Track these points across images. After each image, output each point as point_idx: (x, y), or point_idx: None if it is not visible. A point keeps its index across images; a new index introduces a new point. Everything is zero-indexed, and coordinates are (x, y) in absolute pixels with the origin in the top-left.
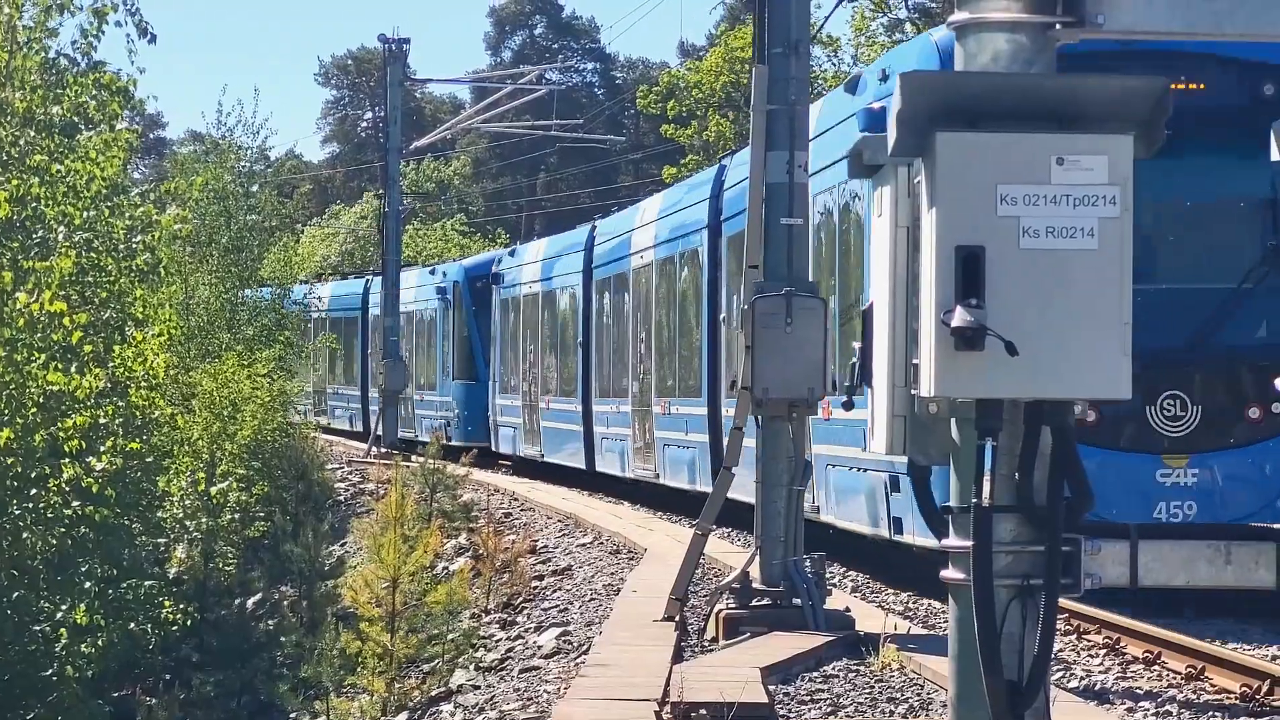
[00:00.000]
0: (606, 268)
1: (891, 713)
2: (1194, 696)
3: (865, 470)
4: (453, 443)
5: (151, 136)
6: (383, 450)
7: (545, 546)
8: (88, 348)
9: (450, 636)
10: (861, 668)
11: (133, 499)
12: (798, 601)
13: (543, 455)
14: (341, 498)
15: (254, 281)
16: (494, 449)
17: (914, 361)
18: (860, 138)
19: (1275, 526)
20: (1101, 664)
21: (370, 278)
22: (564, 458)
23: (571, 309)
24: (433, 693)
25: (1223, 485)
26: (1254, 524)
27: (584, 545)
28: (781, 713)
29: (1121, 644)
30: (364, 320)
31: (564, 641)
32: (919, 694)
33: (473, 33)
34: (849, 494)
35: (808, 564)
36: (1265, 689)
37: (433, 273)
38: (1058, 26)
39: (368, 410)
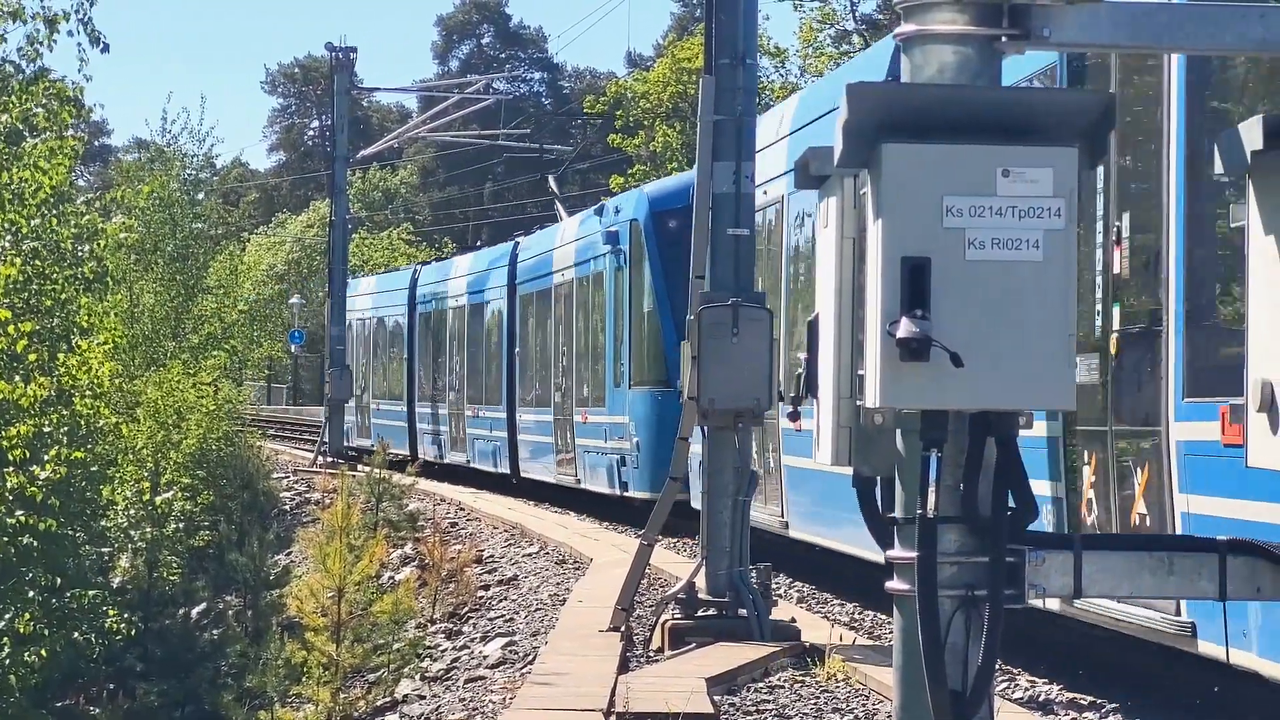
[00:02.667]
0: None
1: None
2: (1139, 705)
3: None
4: (630, 493)
5: (97, 144)
6: (329, 460)
7: (491, 556)
8: (32, 356)
9: (396, 646)
10: (807, 678)
11: (77, 508)
12: (743, 612)
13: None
14: (287, 507)
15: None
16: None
17: (859, 372)
18: (807, 149)
19: (1219, 538)
20: (1046, 675)
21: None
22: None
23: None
24: (378, 703)
25: None
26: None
27: (530, 555)
28: None
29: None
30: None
31: (509, 651)
32: (864, 705)
33: (420, 42)
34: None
35: (753, 574)
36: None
37: (599, 212)
38: (1004, 39)
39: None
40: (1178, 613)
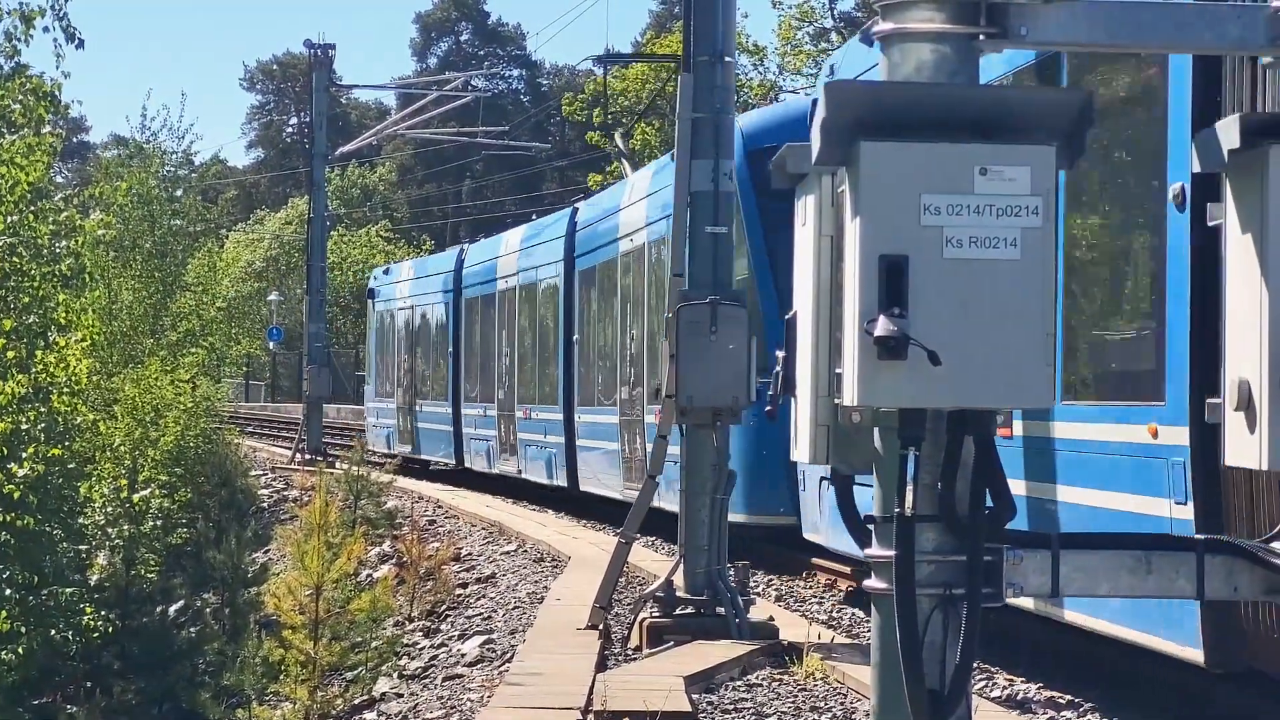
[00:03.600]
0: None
1: None
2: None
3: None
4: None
5: (75, 140)
6: (307, 456)
7: (469, 554)
8: (10, 353)
9: (374, 644)
10: (785, 677)
11: (54, 505)
12: (721, 610)
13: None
14: (265, 504)
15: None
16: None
17: (837, 371)
18: (785, 147)
19: (1197, 536)
20: (1024, 673)
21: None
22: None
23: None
24: (356, 701)
25: None
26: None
27: (508, 553)
28: None
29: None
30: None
31: (488, 650)
32: (842, 703)
33: (399, 39)
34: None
35: (731, 573)
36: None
37: None
38: (982, 38)
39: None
40: None
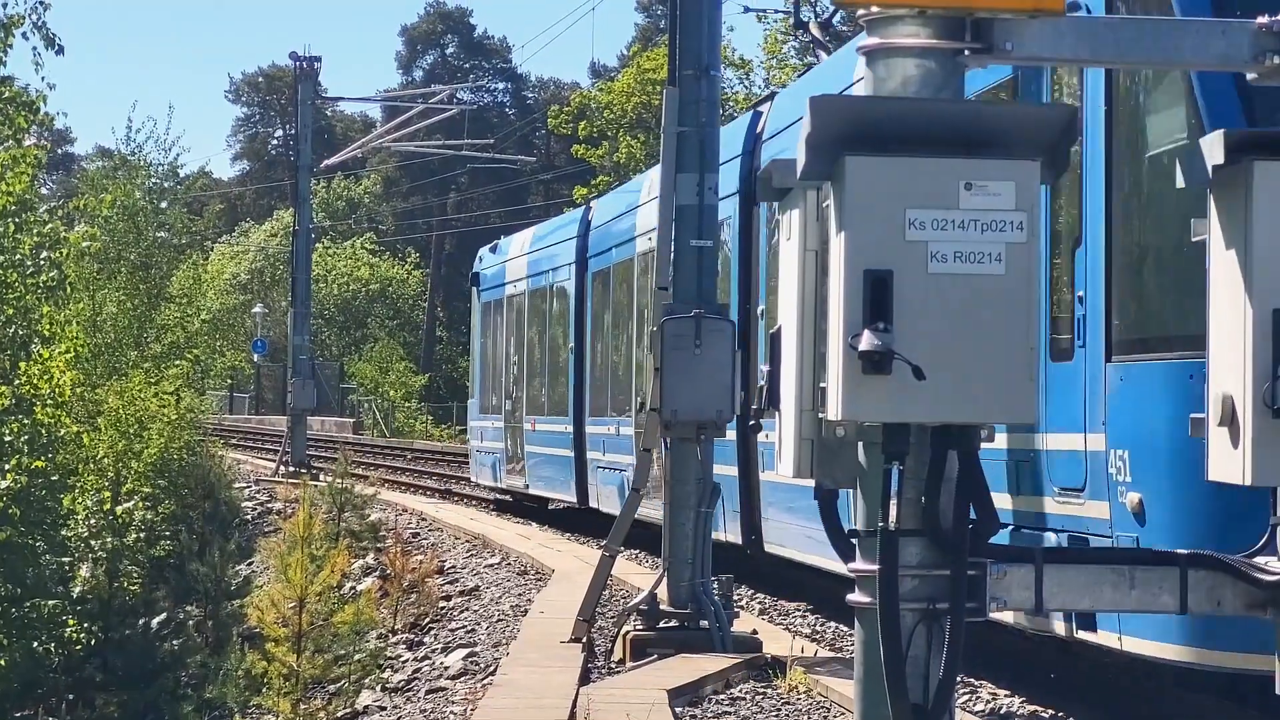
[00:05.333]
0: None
1: None
2: (1099, 716)
3: None
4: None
5: (60, 152)
6: (291, 469)
7: (453, 567)
8: None
9: (357, 657)
10: (769, 690)
11: (37, 517)
12: (705, 623)
13: None
14: (249, 517)
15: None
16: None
17: (822, 385)
18: (770, 161)
19: (1179, 551)
20: (1008, 686)
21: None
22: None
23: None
24: (339, 714)
25: None
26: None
27: (492, 566)
28: None
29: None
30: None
31: (471, 663)
32: (825, 717)
33: (384, 51)
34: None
35: (715, 586)
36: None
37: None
38: (966, 53)
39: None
40: None
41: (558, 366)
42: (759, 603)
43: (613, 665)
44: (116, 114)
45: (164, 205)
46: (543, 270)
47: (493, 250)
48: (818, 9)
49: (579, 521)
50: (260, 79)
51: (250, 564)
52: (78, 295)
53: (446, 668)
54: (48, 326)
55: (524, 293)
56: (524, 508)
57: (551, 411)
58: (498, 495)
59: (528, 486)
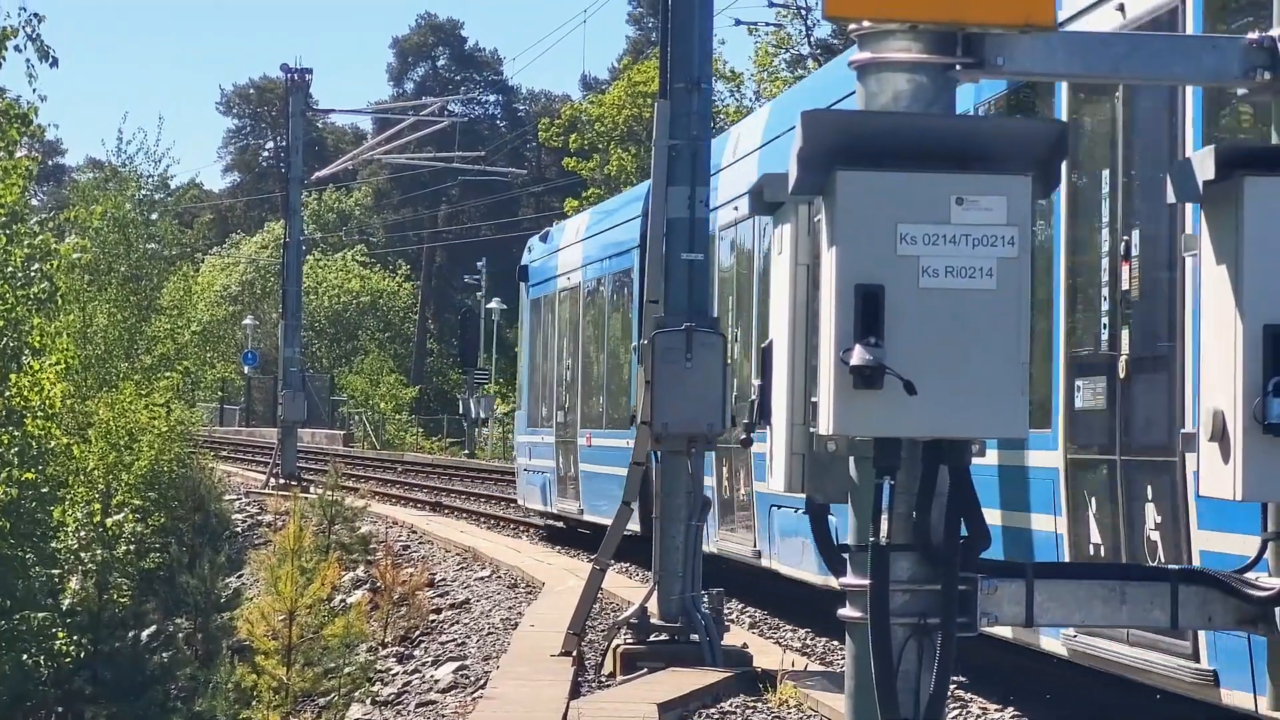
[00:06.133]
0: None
1: None
2: None
3: None
4: None
5: (51, 163)
6: (281, 481)
7: (443, 579)
8: None
9: (347, 670)
10: (759, 704)
11: (27, 529)
12: (695, 637)
13: None
14: (239, 529)
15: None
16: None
17: (813, 399)
18: (762, 175)
19: (1170, 567)
20: (999, 700)
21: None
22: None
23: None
24: None
25: None
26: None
27: (482, 579)
28: None
29: (1017, 680)
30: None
31: (461, 676)
32: None
33: (375, 63)
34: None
35: (705, 600)
36: None
37: None
38: (958, 68)
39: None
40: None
41: (618, 371)
42: (750, 616)
43: (603, 679)
44: (108, 125)
45: (154, 217)
46: (601, 257)
47: (543, 239)
48: (808, 22)
49: (576, 535)
50: (251, 91)
51: (240, 576)
52: (68, 307)
53: (436, 681)
54: (38, 338)
55: (578, 285)
56: (577, 535)
57: (611, 424)
58: (549, 521)
59: (582, 511)
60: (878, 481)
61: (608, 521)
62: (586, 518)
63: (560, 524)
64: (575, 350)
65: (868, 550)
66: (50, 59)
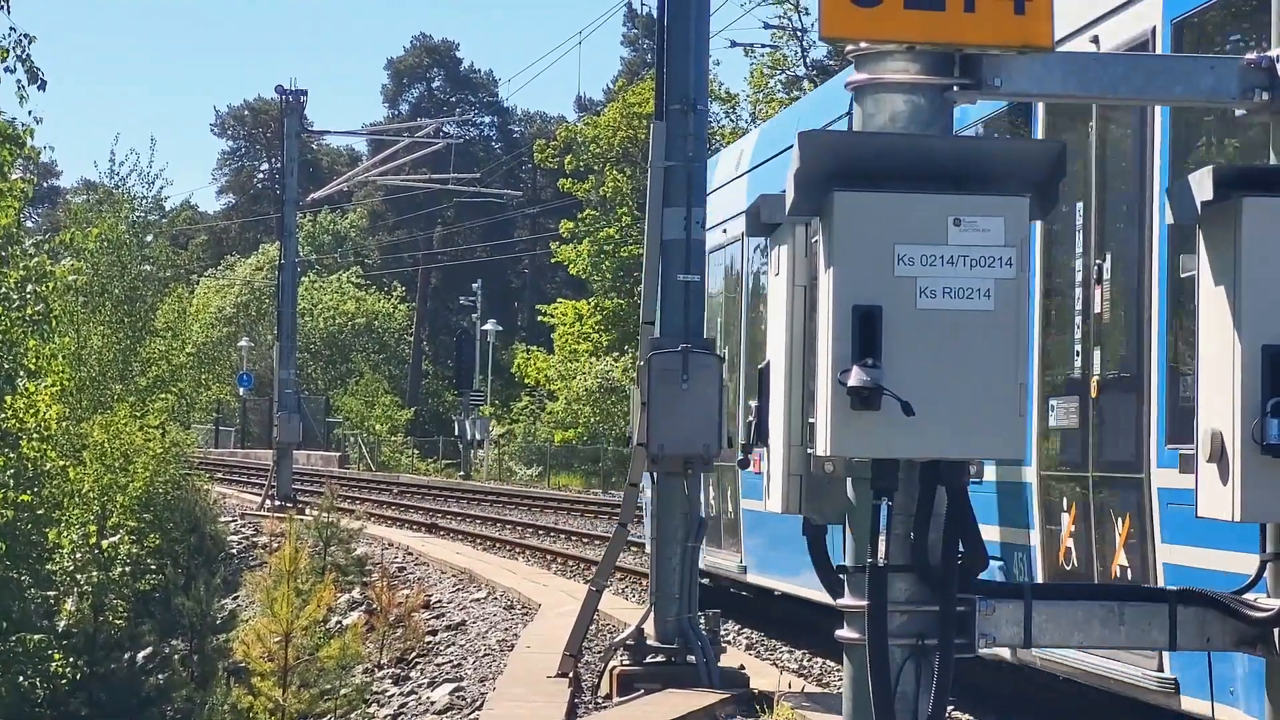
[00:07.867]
0: None
1: None
2: None
3: None
4: None
5: (45, 185)
6: (277, 503)
7: (439, 601)
8: None
9: (343, 691)
10: None
11: (23, 551)
12: (692, 659)
13: None
14: (234, 551)
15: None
16: None
17: (810, 420)
18: (759, 196)
19: (1169, 588)
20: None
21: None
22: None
23: None
24: None
25: None
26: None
27: (478, 600)
28: None
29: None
30: None
31: (457, 697)
32: None
33: (370, 85)
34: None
35: (702, 621)
36: None
37: None
38: (955, 89)
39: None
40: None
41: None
42: (746, 638)
43: (599, 700)
44: (103, 148)
45: (148, 238)
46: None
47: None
48: (804, 43)
49: (574, 555)
50: (246, 112)
51: (236, 598)
52: (63, 329)
53: (432, 702)
54: (33, 360)
55: (736, 240)
56: (731, 598)
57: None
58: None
59: (744, 570)
60: (875, 502)
61: (779, 584)
62: (749, 579)
63: (705, 580)
64: (729, 333)
65: (865, 571)
66: (39, 81)
